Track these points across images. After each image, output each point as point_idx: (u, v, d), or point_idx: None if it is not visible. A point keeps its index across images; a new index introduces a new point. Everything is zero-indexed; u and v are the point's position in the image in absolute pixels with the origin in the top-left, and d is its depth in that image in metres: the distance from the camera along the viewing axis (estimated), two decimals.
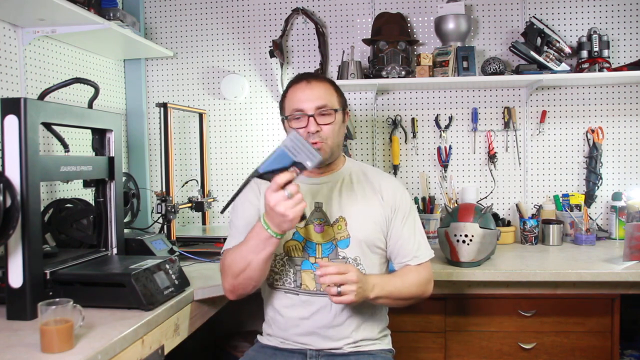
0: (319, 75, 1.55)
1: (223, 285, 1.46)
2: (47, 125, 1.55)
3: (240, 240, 1.42)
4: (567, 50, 2.32)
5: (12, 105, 1.28)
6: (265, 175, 1.26)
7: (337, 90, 1.52)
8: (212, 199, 2.51)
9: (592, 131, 2.45)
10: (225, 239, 1.55)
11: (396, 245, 1.49)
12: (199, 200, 2.37)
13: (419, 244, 1.50)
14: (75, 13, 1.77)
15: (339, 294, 1.29)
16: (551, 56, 2.30)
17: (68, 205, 1.80)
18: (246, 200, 1.53)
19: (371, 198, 1.50)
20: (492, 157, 2.48)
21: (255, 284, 1.41)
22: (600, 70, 2.28)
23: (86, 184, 1.68)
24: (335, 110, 1.46)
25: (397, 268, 1.51)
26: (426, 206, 2.44)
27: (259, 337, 1.58)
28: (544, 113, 2.47)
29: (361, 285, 1.32)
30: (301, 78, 1.49)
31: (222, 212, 1.37)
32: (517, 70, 2.34)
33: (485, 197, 2.50)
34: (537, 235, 2.32)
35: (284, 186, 1.24)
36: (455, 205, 2.28)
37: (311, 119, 1.42)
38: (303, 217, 1.33)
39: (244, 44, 2.58)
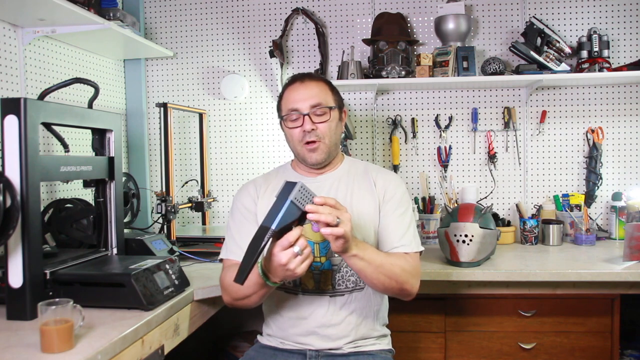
0: (313, 74, 1.56)
1: (222, 297, 1.48)
2: (47, 125, 1.55)
3: (236, 252, 1.45)
4: (567, 50, 2.32)
5: (12, 105, 1.28)
6: (280, 233, 1.19)
7: (333, 89, 1.54)
8: (212, 199, 2.51)
9: (592, 131, 2.45)
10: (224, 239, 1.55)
11: (384, 232, 1.47)
12: (199, 200, 2.37)
13: (405, 233, 1.46)
14: (75, 13, 1.77)
15: (337, 224, 1.19)
16: (551, 56, 2.30)
17: (68, 205, 1.80)
18: (242, 206, 1.53)
19: (366, 195, 1.50)
20: (492, 157, 2.48)
21: (253, 307, 1.44)
22: (600, 70, 2.28)
23: (86, 184, 1.68)
24: (330, 108, 1.48)
25: None
26: (426, 206, 2.44)
27: (258, 337, 1.58)
28: (544, 113, 2.47)
29: (351, 228, 1.25)
30: (295, 79, 1.52)
31: (242, 282, 1.20)
32: (517, 70, 2.34)
33: (485, 197, 2.50)
34: (537, 235, 2.32)
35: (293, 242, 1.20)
36: (455, 205, 2.28)
37: (306, 117, 1.44)
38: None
39: (244, 44, 2.58)
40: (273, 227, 1.17)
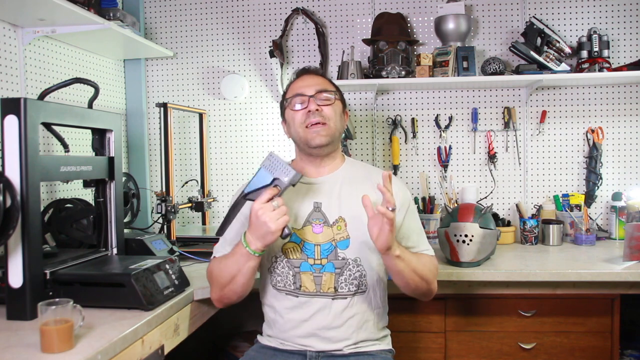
0: (319, 69, 1.61)
1: (211, 294, 1.50)
2: (47, 125, 1.55)
3: (227, 250, 1.48)
4: (567, 50, 2.32)
5: (12, 105, 1.28)
6: (250, 195, 1.36)
7: (336, 86, 1.58)
8: (212, 199, 2.51)
9: (592, 131, 2.45)
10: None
11: (404, 242, 1.49)
12: (199, 200, 2.37)
13: (419, 239, 1.52)
14: (75, 13, 1.77)
15: (393, 210, 1.29)
16: (551, 56, 2.30)
17: (68, 205, 1.80)
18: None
19: (371, 198, 1.49)
20: (492, 157, 2.48)
21: (239, 296, 1.46)
22: (600, 70, 2.28)
23: (86, 184, 1.68)
24: (335, 94, 1.51)
25: None
26: (426, 206, 2.44)
27: (259, 337, 1.58)
28: (544, 113, 2.47)
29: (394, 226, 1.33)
30: (302, 71, 1.57)
31: (218, 234, 1.44)
32: (517, 70, 2.34)
33: (485, 197, 2.50)
34: (537, 235, 2.32)
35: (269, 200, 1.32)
36: (455, 205, 2.28)
37: (311, 99, 1.47)
38: (287, 235, 1.36)
39: (244, 44, 2.58)
40: (245, 190, 1.34)
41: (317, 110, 1.46)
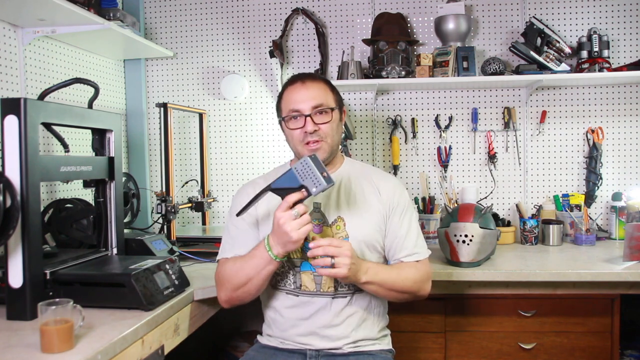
0: (313, 74, 1.56)
1: (219, 295, 1.49)
2: (47, 125, 1.55)
3: (235, 251, 1.48)
4: (567, 50, 2.32)
5: (12, 105, 1.28)
6: (277, 191, 1.31)
7: (333, 89, 1.54)
8: (212, 199, 2.51)
9: (592, 131, 2.45)
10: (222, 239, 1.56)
11: (394, 242, 1.49)
12: (199, 200, 2.37)
13: (416, 242, 1.50)
14: (75, 13, 1.77)
15: (333, 265, 1.29)
16: (551, 56, 2.30)
17: (68, 205, 1.80)
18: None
19: (370, 198, 1.50)
20: (492, 157, 2.48)
21: (252, 297, 1.45)
22: (600, 70, 2.28)
23: (86, 184, 1.68)
24: (332, 109, 1.48)
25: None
26: (426, 206, 2.44)
27: (258, 337, 1.58)
28: (544, 113, 2.47)
29: (354, 262, 1.32)
30: (296, 79, 1.51)
31: (238, 215, 1.40)
32: (517, 71, 2.34)
33: (485, 197, 2.50)
34: (537, 236, 2.31)
35: (293, 206, 1.28)
36: (455, 205, 2.28)
37: (308, 118, 1.44)
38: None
39: (244, 44, 2.58)
40: (272, 185, 1.31)
41: (315, 131, 1.44)
